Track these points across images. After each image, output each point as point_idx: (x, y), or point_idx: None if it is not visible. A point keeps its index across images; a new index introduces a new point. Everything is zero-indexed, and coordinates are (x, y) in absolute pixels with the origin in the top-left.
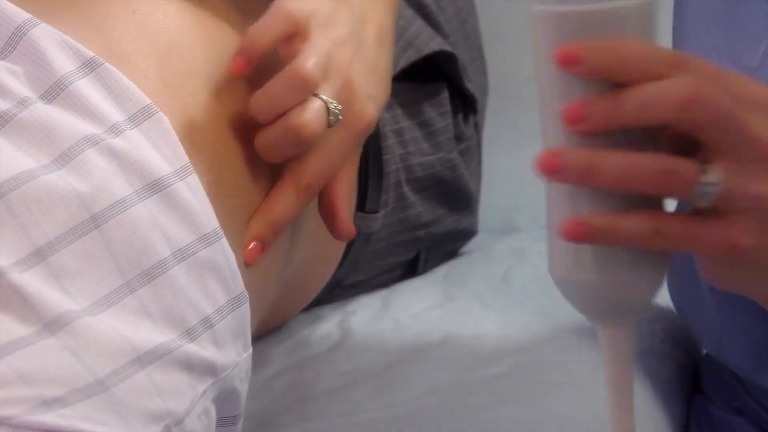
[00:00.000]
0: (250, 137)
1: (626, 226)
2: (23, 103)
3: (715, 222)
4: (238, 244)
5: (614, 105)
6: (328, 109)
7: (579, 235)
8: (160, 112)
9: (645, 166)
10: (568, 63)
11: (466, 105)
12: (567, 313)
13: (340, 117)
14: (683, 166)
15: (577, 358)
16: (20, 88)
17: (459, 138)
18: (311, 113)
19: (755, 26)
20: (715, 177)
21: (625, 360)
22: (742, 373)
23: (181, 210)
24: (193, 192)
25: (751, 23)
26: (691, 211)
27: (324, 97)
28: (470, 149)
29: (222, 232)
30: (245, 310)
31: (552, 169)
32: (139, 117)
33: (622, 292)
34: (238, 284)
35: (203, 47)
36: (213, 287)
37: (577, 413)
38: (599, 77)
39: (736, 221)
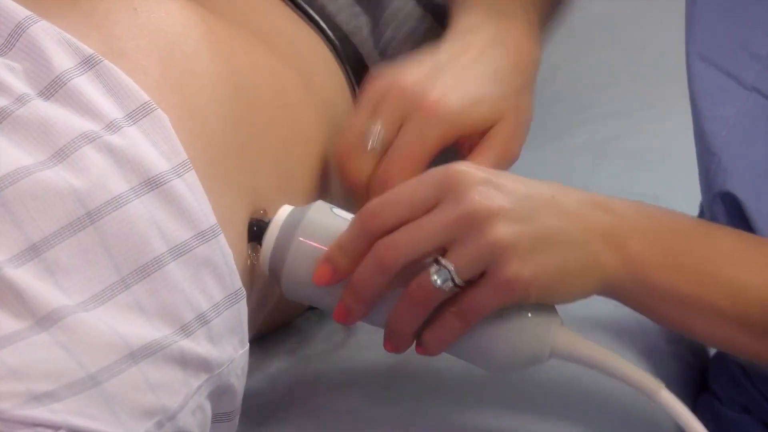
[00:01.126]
0: (252, 134)
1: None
2: (21, 99)
3: (488, 278)
4: (237, 240)
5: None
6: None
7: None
8: (159, 109)
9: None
10: (326, 282)
11: None
12: (575, 312)
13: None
14: (420, 277)
15: None
16: (19, 84)
17: None
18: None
19: (766, 15)
20: (442, 261)
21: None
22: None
23: (178, 207)
24: (191, 189)
25: (763, 12)
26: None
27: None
28: None
29: (220, 229)
30: (242, 306)
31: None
32: (137, 114)
33: (517, 343)
34: (236, 281)
35: (206, 45)
36: (209, 284)
37: (579, 414)
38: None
39: (503, 267)
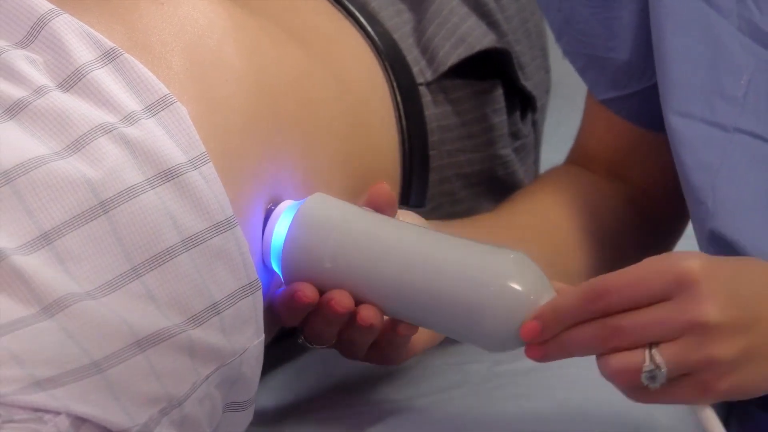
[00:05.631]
0: (275, 128)
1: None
2: (39, 91)
3: (689, 380)
4: (256, 232)
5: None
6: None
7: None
8: (178, 102)
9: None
10: (533, 337)
11: (525, 103)
12: None
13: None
14: (628, 357)
15: None
16: (38, 76)
17: (515, 135)
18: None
19: (737, 59)
20: (657, 360)
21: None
22: None
23: (193, 198)
24: (207, 181)
25: (733, 56)
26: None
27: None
28: (526, 146)
29: (236, 221)
30: (257, 297)
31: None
32: (156, 107)
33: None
34: (251, 272)
35: (231, 40)
36: (223, 275)
37: (599, 410)
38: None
39: (709, 378)
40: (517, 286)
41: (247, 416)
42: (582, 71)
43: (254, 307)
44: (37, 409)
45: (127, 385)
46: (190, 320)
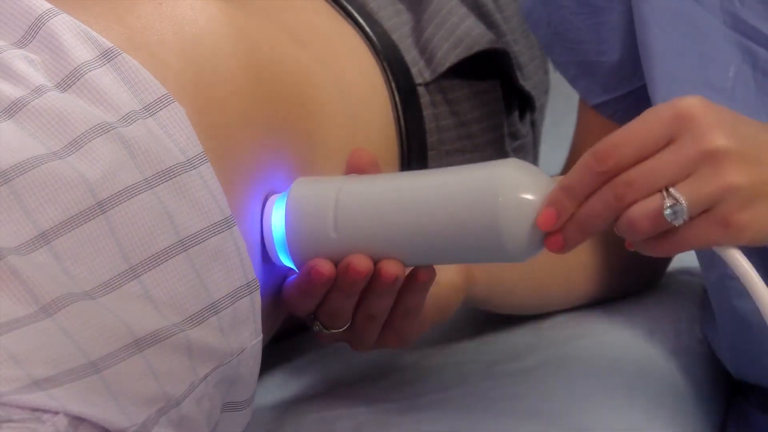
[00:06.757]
0: (273, 127)
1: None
2: (37, 90)
3: (709, 216)
4: (254, 231)
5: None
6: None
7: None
8: (176, 102)
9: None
10: (551, 225)
11: (523, 103)
12: (603, 311)
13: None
14: (647, 203)
15: (605, 355)
16: (36, 76)
17: (514, 135)
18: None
19: (723, 51)
20: (675, 195)
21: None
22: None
23: (191, 198)
24: (205, 180)
25: (719, 49)
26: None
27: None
28: (525, 147)
29: (234, 221)
30: (255, 297)
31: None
32: (155, 106)
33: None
34: (249, 272)
35: (229, 40)
36: (221, 274)
37: (596, 409)
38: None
39: (728, 208)
40: (520, 191)
41: (245, 416)
42: (573, 80)
43: (252, 306)
44: (35, 409)
45: (124, 385)
46: (188, 320)
